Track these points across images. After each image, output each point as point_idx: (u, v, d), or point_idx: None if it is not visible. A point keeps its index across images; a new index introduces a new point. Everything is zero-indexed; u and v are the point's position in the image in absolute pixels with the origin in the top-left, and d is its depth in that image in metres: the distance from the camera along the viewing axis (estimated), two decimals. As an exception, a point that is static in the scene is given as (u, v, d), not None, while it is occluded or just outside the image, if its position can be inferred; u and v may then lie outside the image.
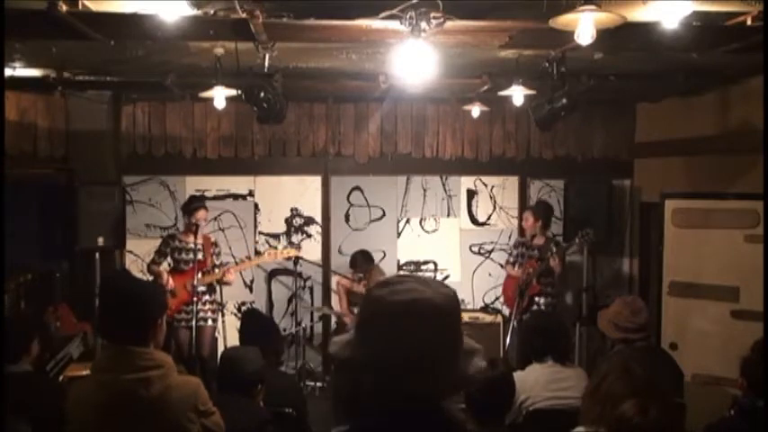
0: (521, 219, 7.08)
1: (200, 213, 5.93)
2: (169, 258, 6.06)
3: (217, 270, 6.03)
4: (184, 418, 2.36)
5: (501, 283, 7.17)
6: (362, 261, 6.67)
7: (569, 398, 3.47)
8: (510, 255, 6.81)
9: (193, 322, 5.73)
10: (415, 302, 1.35)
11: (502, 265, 7.17)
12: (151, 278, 5.98)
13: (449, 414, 1.42)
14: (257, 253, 7.07)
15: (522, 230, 6.94)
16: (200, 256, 5.90)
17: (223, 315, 6.37)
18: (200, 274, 5.88)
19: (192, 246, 5.87)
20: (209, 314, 6.03)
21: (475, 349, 1.45)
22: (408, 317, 1.35)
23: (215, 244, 6.21)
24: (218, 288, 6.15)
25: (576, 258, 6.81)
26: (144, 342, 2.39)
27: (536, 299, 6.38)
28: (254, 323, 4.66)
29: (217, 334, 6.28)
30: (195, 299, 5.77)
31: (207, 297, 6.02)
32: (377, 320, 1.38)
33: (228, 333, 6.37)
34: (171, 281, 5.85)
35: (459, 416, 1.45)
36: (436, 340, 1.36)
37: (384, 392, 1.35)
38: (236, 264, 6.43)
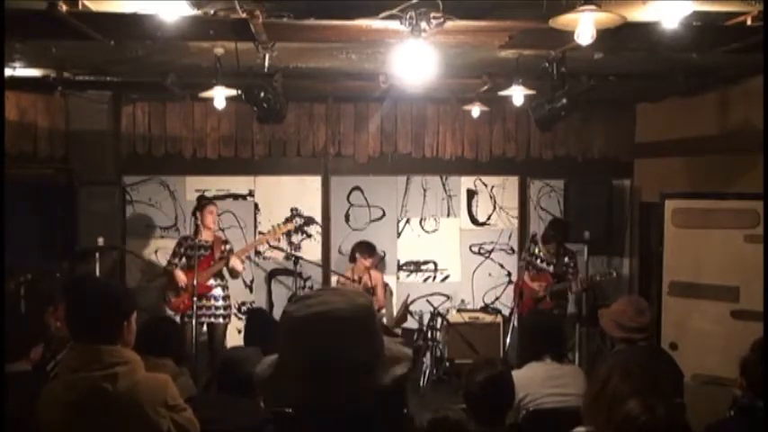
0: (521, 220, 7.11)
1: (210, 208, 6.17)
2: (184, 259, 6.21)
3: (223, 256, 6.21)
4: (153, 413, 2.37)
5: (501, 282, 7.19)
6: (360, 247, 6.63)
7: (568, 395, 3.48)
8: (524, 260, 6.63)
9: (194, 320, 5.88)
10: (322, 314, 1.37)
11: (503, 266, 7.19)
12: (166, 278, 6.28)
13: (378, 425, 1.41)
14: (257, 253, 7.09)
15: (521, 232, 6.97)
16: (209, 251, 6.15)
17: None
18: (209, 265, 6.10)
19: (203, 243, 6.15)
20: (222, 311, 6.21)
21: (397, 357, 1.44)
22: (315, 327, 1.37)
23: (225, 242, 6.35)
24: (229, 286, 6.31)
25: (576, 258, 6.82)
26: (112, 341, 2.41)
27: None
28: (258, 323, 4.66)
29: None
30: (200, 293, 5.96)
31: (220, 292, 6.20)
32: (289, 333, 1.41)
33: (229, 333, 6.37)
34: (183, 278, 6.05)
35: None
36: (346, 349, 1.36)
37: (303, 405, 1.40)
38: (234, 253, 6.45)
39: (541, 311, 6.20)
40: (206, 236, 6.16)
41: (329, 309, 1.38)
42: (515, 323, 6.20)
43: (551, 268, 6.38)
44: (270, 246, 7.08)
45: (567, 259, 6.39)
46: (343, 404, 1.36)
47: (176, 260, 6.19)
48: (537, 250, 6.50)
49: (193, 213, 6.26)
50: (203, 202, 6.27)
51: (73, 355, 2.44)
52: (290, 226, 6.73)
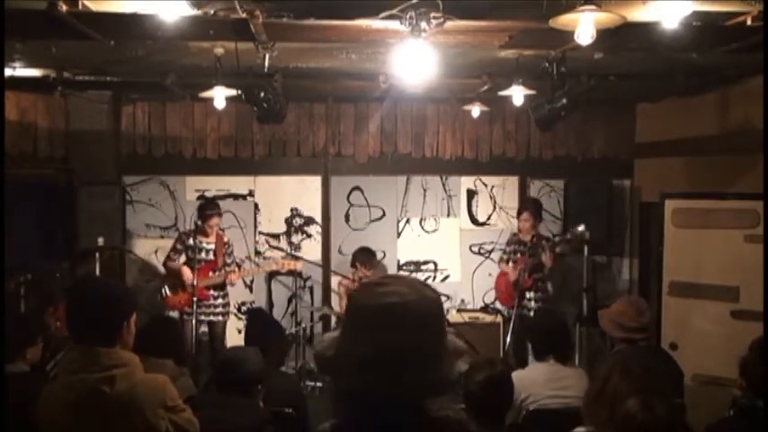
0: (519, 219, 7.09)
1: (214, 221, 6.12)
2: (183, 255, 6.19)
3: (225, 269, 6.19)
4: (152, 415, 2.37)
5: (500, 282, 7.18)
6: (362, 255, 6.62)
7: (569, 397, 3.48)
8: (503, 252, 6.80)
9: (193, 319, 5.88)
10: (397, 304, 1.38)
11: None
12: (164, 273, 6.27)
13: (433, 415, 1.42)
14: (257, 253, 7.08)
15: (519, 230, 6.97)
16: (211, 256, 6.14)
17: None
18: (211, 273, 6.10)
19: (204, 246, 6.12)
20: (221, 309, 6.21)
21: (460, 351, 1.46)
22: (389, 317, 1.37)
23: (227, 244, 6.32)
24: (228, 286, 6.30)
25: (575, 259, 6.81)
26: (111, 343, 2.41)
27: (527, 294, 6.39)
28: (259, 323, 4.67)
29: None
30: (199, 297, 5.93)
31: (219, 292, 6.20)
32: (359, 320, 1.41)
33: (229, 332, 6.37)
34: (190, 275, 5.98)
35: (452, 417, 1.46)
36: (416, 341, 1.38)
37: (365, 391, 1.38)
38: (240, 269, 6.50)
39: (548, 311, 6.19)
40: (208, 238, 6.14)
41: (403, 301, 1.39)
42: (514, 326, 6.19)
43: (529, 251, 6.43)
44: (270, 246, 7.09)
45: (544, 242, 6.44)
46: (410, 395, 1.38)
47: (176, 256, 6.17)
48: (514, 235, 6.66)
49: (198, 214, 6.18)
50: (207, 212, 6.09)
51: (71, 357, 2.44)
52: (299, 265, 6.63)
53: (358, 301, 1.42)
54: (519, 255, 6.54)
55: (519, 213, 6.66)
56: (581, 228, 6.12)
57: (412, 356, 1.36)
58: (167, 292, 6.14)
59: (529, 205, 6.65)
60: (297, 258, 6.85)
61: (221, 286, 6.20)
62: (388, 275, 1.55)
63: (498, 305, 7.18)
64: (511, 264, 6.61)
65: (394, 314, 1.37)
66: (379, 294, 1.40)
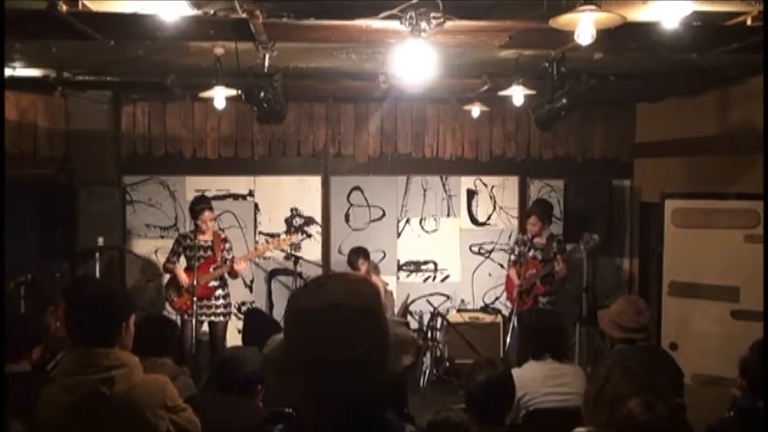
0: (521, 220, 7.09)
1: (206, 215, 6.08)
2: (183, 258, 6.18)
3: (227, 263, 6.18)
4: (152, 415, 2.37)
5: (501, 282, 7.16)
6: (350, 258, 6.59)
7: (568, 394, 3.49)
8: (512, 253, 6.73)
9: (194, 318, 5.86)
10: (330, 305, 1.37)
11: (503, 266, 7.16)
12: (168, 276, 6.24)
13: (384, 417, 1.41)
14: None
15: (523, 230, 6.97)
16: (209, 253, 6.12)
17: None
18: (211, 269, 6.08)
19: (201, 243, 6.10)
20: (222, 309, 6.18)
21: (403, 343, 1.44)
22: (321, 322, 1.36)
23: (225, 240, 6.30)
24: (229, 285, 6.27)
25: (576, 259, 6.82)
26: (110, 344, 2.41)
27: (540, 299, 6.36)
28: (256, 323, 4.68)
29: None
30: (200, 295, 5.93)
31: (220, 291, 6.17)
32: (296, 321, 1.41)
33: (229, 332, 6.36)
34: (186, 279, 6.01)
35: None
36: (353, 341, 1.36)
37: (311, 394, 1.38)
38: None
39: (541, 310, 6.19)
40: (205, 235, 6.15)
41: (338, 301, 1.37)
42: (515, 323, 6.18)
43: (540, 254, 6.39)
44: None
45: (555, 245, 6.43)
46: (352, 398, 1.36)
47: (175, 258, 6.17)
48: (523, 236, 6.58)
49: (190, 213, 6.19)
50: (198, 207, 6.11)
51: (69, 359, 2.44)
52: (293, 239, 6.69)
53: (296, 304, 1.41)
54: (530, 258, 6.39)
55: (527, 216, 6.57)
56: (595, 236, 6.11)
57: (350, 356, 1.35)
58: (173, 295, 6.13)
59: (537, 208, 6.55)
60: (297, 251, 6.86)
61: (223, 285, 6.19)
62: (327, 274, 1.53)
63: (499, 305, 7.19)
64: (520, 266, 6.49)
65: (328, 316, 1.36)
66: (315, 295, 1.39)
